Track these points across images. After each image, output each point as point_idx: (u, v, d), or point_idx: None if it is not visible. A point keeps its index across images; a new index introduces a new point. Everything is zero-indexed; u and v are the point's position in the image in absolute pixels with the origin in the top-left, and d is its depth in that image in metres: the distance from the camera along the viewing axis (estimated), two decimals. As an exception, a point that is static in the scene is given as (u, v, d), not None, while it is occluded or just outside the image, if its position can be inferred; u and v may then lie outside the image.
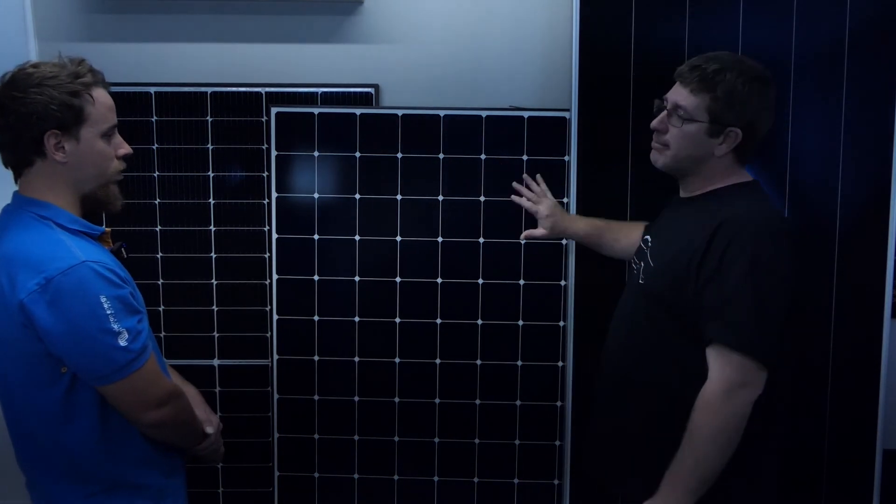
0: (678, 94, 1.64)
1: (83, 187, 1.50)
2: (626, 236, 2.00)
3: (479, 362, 2.26)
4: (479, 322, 2.25)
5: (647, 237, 1.78)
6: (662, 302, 1.63)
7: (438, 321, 2.25)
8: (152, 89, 2.26)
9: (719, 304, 1.51)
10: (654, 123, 1.69)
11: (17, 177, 1.51)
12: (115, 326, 1.40)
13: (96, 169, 1.50)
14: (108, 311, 1.40)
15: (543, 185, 2.16)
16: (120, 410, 1.47)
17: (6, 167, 1.51)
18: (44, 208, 1.46)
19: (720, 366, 1.51)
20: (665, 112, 1.66)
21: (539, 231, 2.11)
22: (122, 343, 1.41)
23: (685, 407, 1.54)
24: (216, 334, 2.34)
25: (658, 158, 1.70)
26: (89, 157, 1.48)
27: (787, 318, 1.55)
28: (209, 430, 1.67)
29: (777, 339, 1.52)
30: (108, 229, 1.57)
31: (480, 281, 2.24)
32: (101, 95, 1.49)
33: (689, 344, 1.57)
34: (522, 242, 2.21)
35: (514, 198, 2.17)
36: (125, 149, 1.55)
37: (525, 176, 2.18)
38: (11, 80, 1.44)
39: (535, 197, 2.15)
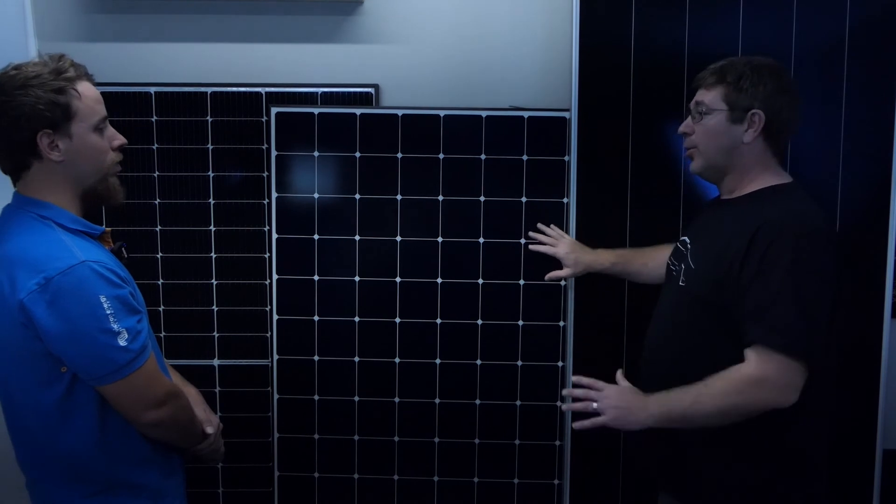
0: (697, 95, 1.70)
1: (82, 183, 1.50)
2: (654, 259, 2.00)
3: (479, 362, 2.26)
4: (479, 322, 2.25)
5: (685, 238, 1.78)
6: (705, 304, 1.62)
7: (438, 321, 2.25)
8: (152, 89, 2.26)
9: (761, 305, 1.51)
10: (680, 128, 1.73)
11: (14, 181, 1.50)
12: (115, 326, 1.40)
13: (93, 163, 1.49)
14: (108, 311, 1.40)
15: (557, 230, 2.15)
16: (119, 410, 1.47)
17: (4, 173, 1.50)
18: (44, 208, 1.46)
19: (761, 361, 1.50)
20: (690, 116, 1.71)
21: (564, 271, 2.10)
22: (122, 343, 1.41)
23: None
24: (216, 334, 2.34)
25: (692, 164, 1.73)
26: (84, 152, 1.47)
27: (831, 319, 1.54)
28: (209, 430, 1.67)
29: (821, 341, 1.51)
30: (109, 229, 1.57)
31: (480, 281, 2.24)
32: (87, 89, 1.48)
33: (732, 345, 1.57)
34: (522, 243, 2.21)
35: (532, 246, 2.16)
36: (119, 139, 1.54)
37: (539, 225, 2.16)
38: None
39: (551, 240, 2.13)
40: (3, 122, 1.41)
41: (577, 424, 1.64)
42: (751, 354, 1.52)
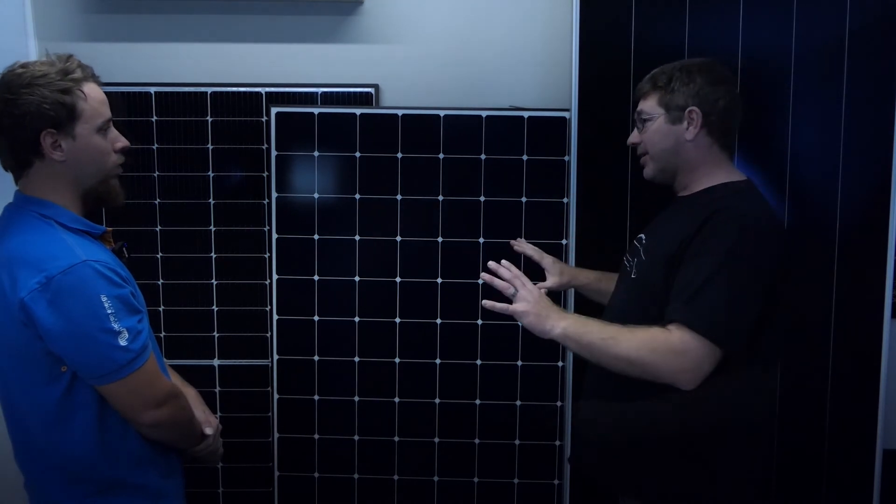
0: (638, 106, 1.76)
1: (84, 184, 1.50)
2: None
3: (479, 362, 2.26)
4: (479, 322, 2.25)
5: (642, 236, 1.78)
6: (654, 292, 1.63)
7: (438, 321, 2.25)
8: (152, 89, 2.26)
9: (692, 286, 1.53)
10: (629, 140, 1.79)
11: (16, 179, 1.50)
12: (116, 326, 1.40)
13: (95, 165, 1.50)
14: (109, 311, 1.40)
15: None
16: (118, 410, 1.47)
17: (5, 170, 1.51)
18: (46, 207, 1.46)
19: (683, 336, 1.51)
20: (636, 128, 1.77)
21: (550, 281, 1.99)
22: (122, 342, 1.41)
23: (671, 396, 1.55)
24: (216, 334, 2.34)
25: (645, 170, 1.77)
26: (87, 153, 1.47)
27: (764, 319, 1.55)
28: (208, 431, 1.67)
29: (743, 332, 1.53)
30: (110, 229, 1.57)
31: (480, 281, 2.23)
32: (93, 90, 1.48)
33: None
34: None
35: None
36: (122, 142, 1.54)
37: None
38: (2, 82, 1.43)
39: (536, 253, 2.05)
40: (7, 119, 1.41)
41: (487, 303, 1.62)
42: (673, 328, 1.52)
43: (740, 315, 1.53)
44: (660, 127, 1.70)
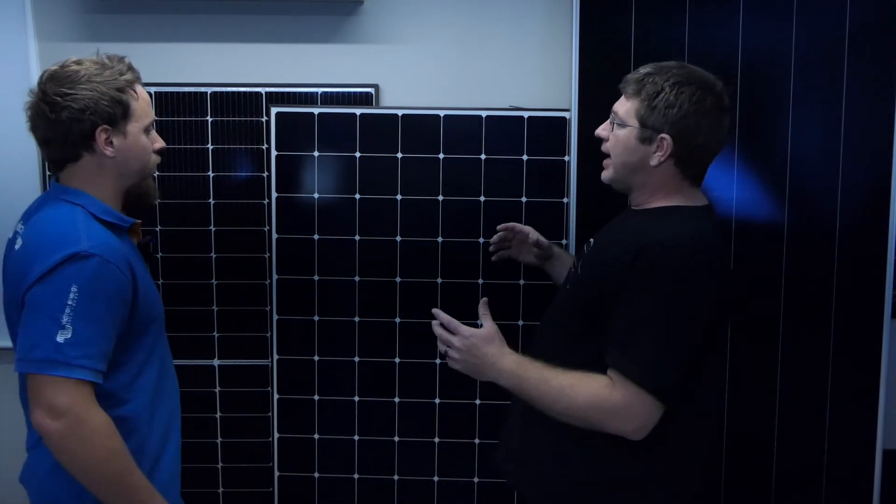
0: (618, 102, 1.60)
1: (126, 181, 1.54)
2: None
3: (479, 362, 2.26)
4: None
5: (591, 240, 1.70)
6: (583, 308, 1.57)
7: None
8: (152, 89, 2.26)
9: (624, 330, 1.46)
10: (597, 130, 1.64)
11: (58, 170, 1.52)
12: (64, 319, 1.36)
13: (139, 163, 1.54)
14: (70, 302, 1.36)
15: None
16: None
17: (49, 162, 1.53)
18: (80, 197, 1.49)
19: (616, 386, 1.44)
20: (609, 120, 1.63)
21: (535, 235, 2.01)
22: (60, 339, 1.35)
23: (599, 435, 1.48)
24: (216, 334, 2.34)
25: (603, 173, 1.64)
26: (134, 151, 1.52)
27: (701, 359, 1.48)
28: None
29: (677, 378, 1.44)
30: (140, 221, 1.58)
31: (480, 281, 2.24)
32: (142, 92, 1.54)
33: (598, 354, 1.50)
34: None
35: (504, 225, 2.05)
36: (160, 143, 1.60)
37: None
38: (56, 76, 1.46)
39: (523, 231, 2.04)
40: (65, 112, 1.44)
41: (441, 350, 1.60)
42: (610, 376, 1.46)
43: (672, 361, 1.44)
44: (628, 140, 1.54)
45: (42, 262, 1.39)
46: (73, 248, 1.39)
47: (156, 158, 1.59)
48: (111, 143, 1.48)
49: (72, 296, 1.37)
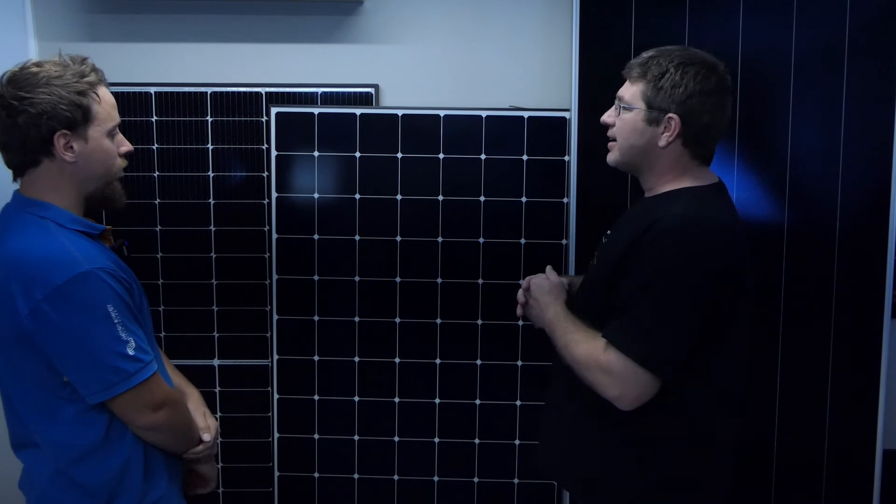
0: (622, 88, 1.62)
1: (88, 186, 1.49)
2: None
3: (479, 362, 2.26)
4: (479, 322, 2.25)
5: (609, 232, 1.73)
6: (596, 295, 1.60)
7: (438, 321, 2.25)
8: (152, 89, 2.26)
9: (623, 304, 1.50)
10: (603, 117, 1.66)
11: (18, 177, 1.49)
12: (123, 335, 1.40)
13: (102, 167, 1.49)
14: (116, 320, 1.39)
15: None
16: (116, 414, 1.46)
17: (9, 168, 1.49)
18: (44, 209, 1.45)
19: (610, 354, 1.49)
20: (614, 106, 1.65)
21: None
22: (130, 352, 1.40)
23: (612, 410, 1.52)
24: (216, 334, 2.34)
25: (609, 155, 1.66)
26: (96, 155, 1.47)
27: (702, 338, 1.49)
28: (205, 437, 1.63)
29: (673, 353, 1.47)
30: (109, 227, 1.57)
31: (480, 281, 2.24)
32: (106, 94, 1.49)
33: None
34: (522, 243, 2.21)
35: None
36: (127, 146, 1.54)
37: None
38: (15, 79, 1.42)
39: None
40: (22, 117, 1.40)
41: (518, 311, 1.77)
42: (607, 346, 1.50)
43: (666, 337, 1.46)
44: (635, 122, 1.56)
45: (45, 285, 1.37)
46: (76, 269, 1.38)
47: (121, 162, 1.53)
48: (71, 147, 1.43)
49: (113, 314, 1.39)
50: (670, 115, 1.53)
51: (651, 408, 1.50)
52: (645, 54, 1.59)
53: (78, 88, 1.42)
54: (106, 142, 1.48)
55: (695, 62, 1.54)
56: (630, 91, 1.58)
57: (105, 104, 1.47)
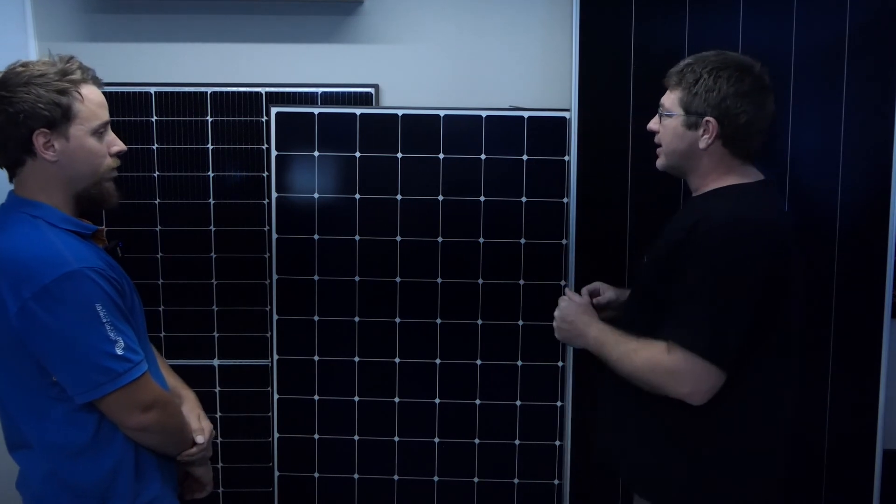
0: (664, 96, 1.71)
1: (76, 186, 1.49)
2: None
3: (479, 362, 2.26)
4: (479, 322, 2.25)
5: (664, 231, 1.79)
6: (649, 294, 1.67)
7: (438, 321, 2.25)
8: (152, 89, 2.26)
9: (678, 300, 1.56)
10: (649, 125, 1.75)
11: (11, 177, 1.50)
12: (112, 334, 1.39)
13: (88, 167, 1.48)
14: (105, 320, 1.39)
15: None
16: (105, 414, 1.45)
17: (1, 168, 1.50)
18: (36, 208, 1.45)
19: (674, 354, 1.54)
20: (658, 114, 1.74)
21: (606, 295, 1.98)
22: (119, 351, 1.40)
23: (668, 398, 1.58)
24: (216, 334, 2.34)
25: (657, 161, 1.75)
26: (80, 155, 1.46)
27: (755, 327, 1.54)
28: (199, 439, 1.63)
29: (734, 344, 1.53)
30: (103, 227, 1.56)
31: (480, 281, 2.24)
32: (91, 92, 1.47)
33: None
34: (522, 243, 2.21)
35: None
36: (118, 146, 1.53)
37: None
38: (1, 80, 1.43)
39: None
40: (2, 117, 1.41)
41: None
42: (670, 346, 1.56)
43: (724, 327, 1.52)
44: (676, 127, 1.66)
45: (34, 283, 1.37)
46: (65, 268, 1.38)
47: (112, 162, 1.52)
48: (52, 146, 1.43)
49: (101, 313, 1.39)
50: (707, 118, 1.61)
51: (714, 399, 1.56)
52: (682, 62, 1.68)
53: (58, 87, 1.42)
54: (90, 140, 1.47)
55: (728, 66, 1.62)
56: (669, 98, 1.68)
57: (89, 102, 1.46)
